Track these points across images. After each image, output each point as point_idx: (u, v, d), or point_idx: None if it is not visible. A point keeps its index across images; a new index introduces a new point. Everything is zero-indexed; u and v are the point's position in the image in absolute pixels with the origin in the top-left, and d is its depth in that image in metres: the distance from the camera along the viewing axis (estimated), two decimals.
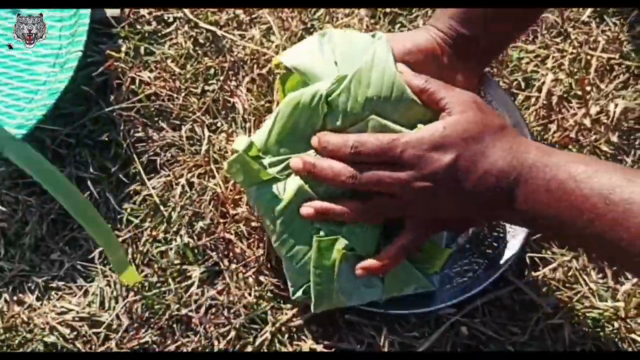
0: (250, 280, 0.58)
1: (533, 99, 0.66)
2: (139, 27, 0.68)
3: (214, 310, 0.58)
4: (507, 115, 0.60)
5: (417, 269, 0.51)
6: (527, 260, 0.58)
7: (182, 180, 0.62)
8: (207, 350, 0.56)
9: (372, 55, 0.48)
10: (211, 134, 0.64)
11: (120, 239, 0.60)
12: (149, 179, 0.62)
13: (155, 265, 0.59)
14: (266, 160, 0.49)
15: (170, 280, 0.58)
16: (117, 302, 0.58)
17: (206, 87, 0.66)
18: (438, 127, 0.44)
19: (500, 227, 0.58)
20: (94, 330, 0.57)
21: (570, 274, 0.58)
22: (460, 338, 0.56)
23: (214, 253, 0.59)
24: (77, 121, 0.64)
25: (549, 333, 0.56)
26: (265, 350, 0.56)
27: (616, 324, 0.56)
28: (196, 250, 0.59)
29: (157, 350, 0.57)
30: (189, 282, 0.58)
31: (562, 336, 0.55)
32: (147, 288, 0.58)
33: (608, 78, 0.67)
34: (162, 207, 0.61)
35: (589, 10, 0.70)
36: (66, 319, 0.58)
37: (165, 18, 0.69)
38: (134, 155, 0.63)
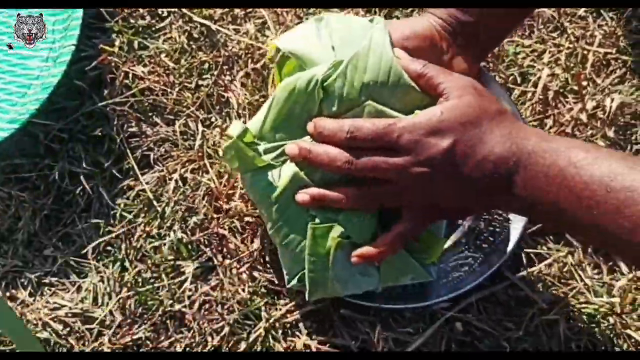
0: (244, 276, 0.58)
1: (529, 94, 0.65)
2: (132, 21, 0.67)
3: (207, 306, 0.57)
4: None
5: (414, 259, 0.51)
6: (523, 256, 0.58)
7: (176, 176, 0.61)
8: (200, 346, 0.56)
9: (369, 40, 0.47)
10: (205, 129, 0.63)
11: (113, 235, 0.60)
12: (142, 174, 0.62)
13: (149, 261, 0.59)
14: (261, 147, 0.49)
15: (163, 275, 0.58)
16: (110, 298, 0.58)
17: (200, 82, 0.65)
18: (435, 112, 0.43)
19: (496, 221, 0.58)
20: (87, 326, 0.57)
21: (565, 269, 0.58)
22: (455, 334, 0.56)
23: (208, 248, 0.59)
24: (71, 116, 0.63)
25: (544, 329, 0.55)
26: (259, 346, 0.56)
27: (611, 320, 0.55)
28: (190, 246, 0.59)
29: (150, 346, 0.56)
30: (183, 277, 0.58)
31: (557, 332, 0.55)
32: (140, 284, 0.58)
33: (604, 73, 0.66)
34: (155, 203, 0.60)
35: None
36: (59, 315, 0.57)
37: (159, 12, 0.68)
38: (128, 150, 0.63)
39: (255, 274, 0.58)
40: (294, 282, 0.51)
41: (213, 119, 0.64)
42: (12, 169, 0.62)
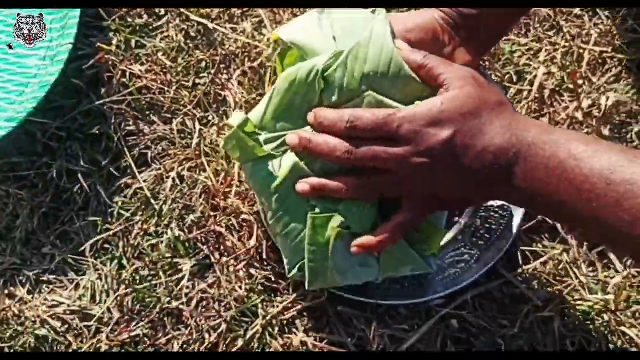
0: (241, 273, 0.58)
1: (525, 93, 0.66)
2: (130, 20, 0.68)
3: (204, 303, 0.58)
4: None
5: (414, 250, 0.50)
6: (518, 254, 0.58)
7: (173, 174, 0.61)
8: (198, 343, 0.56)
9: (370, 31, 0.47)
10: (202, 128, 0.64)
11: (111, 233, 0.60)
12: (140, 173, 0.62)
13: (147, 259, 0.59)
14: (262, 137, 0.49)
15: (161, 273, 0.58)
16: (108, 296, 0.58)
17: (197, 81, 0.66)
18: (436, 103, 0.43)
19: (492, 219, 0.58)
20: (85, 323, 0.57)
21: (560, 267, 0.58)
22: (450, 331, 0.56)
23: (205, 246, 0.59)
24: (68, 114, 0.64)
25: (539, 326, 0.56)
26: (256, 343, 0.56)
27: (606, 317, 0.56)
28: (187, 244, 0.59)
29: (148, 343, 0.57)
30: (180, 275, 0.58)
31: (552, 329, 0.55)
32: (138, 281, 0.58)
33: (600, 71, 0.67)
34: (153, 201, 0.61)
35: None
36: (57, 312, 0.58)
37: (157, 11, 0.68)
38: (125, 149, 0.63)
39: (252, 271, 0.58)
40: (295, 271, 0.51)
41: (210, 118, 0.65)
42: (10, 167, 0.63)
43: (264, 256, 0.58)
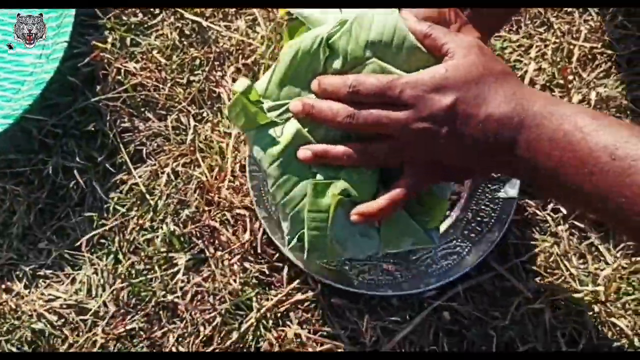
0: (236, 267, 0.59)
1: None
2: (125, 18, 0.68)
3: (199, 297, 0.58)
4: None
5: (416, 222, 0.49)
6: (509, 247, 0.59)
7: (168, 169, 0.62)
8: (193, 336, 0.57)
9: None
10: (197, 124, 0.64)
11: (107, 228, 0.61)
12: (135, 169, 0.63)
13: (142, 253, 0.60)
14: (266, 105, 0.48)
15: (156, 267, 0.59)
16: (104, 290, 0.59)
17: (192, 78, 0.66)
18: (439, 70, 0.43)
19: (484, 212, 0.59)
20: (81, 317, 0.58)
21: (551, 259, 0.59)
22: (442, 322, 0.57)
23: (200, 240, 0.60)
24: (64, 112, 0.64)
25: (529, 317, 0.56)
26: (251, 336, 0.57)
27: (596, 308, 0.56)
28: (182, 238, 0.60)
29: (143, 336, 0.57)
30: (175, 269, 0.59)
31: (542, 321, 0.56)
32: (133, 275, 0.59)
33: (590, 67, 0.67)
34: (148, 196, 0.61)
35: None
36: (54, 306, 0.58)
37: (151, 9, 0.69)
38: (121, 145, 0.64)
39: (247, 264, 0.59)
40: (294, 242, 0.50)
41: (205, 114, 0.65)
42: (7, 164, 0.63)
43: (258, 250, 0.59)
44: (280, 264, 0.59)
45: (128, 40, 0.67)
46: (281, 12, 0.52)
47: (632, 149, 0.37)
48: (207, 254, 0.59)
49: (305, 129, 0.47)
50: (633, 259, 0.58)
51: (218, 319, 0.57)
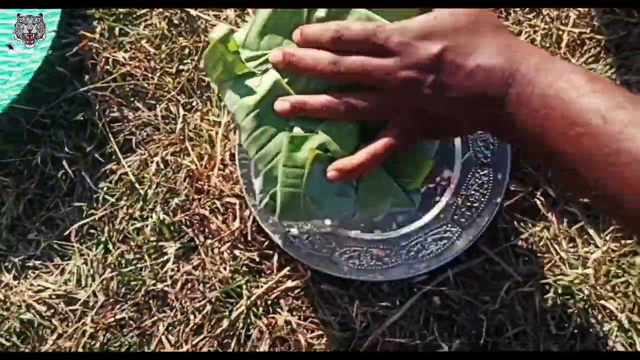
0: (225, 255, 0.59)
1: None
2: (113, 8, 0.68)
3: (189, 285, 0.58)
4: None
5: (396, 183, 0.46)
6: (500, 231, 0.59)
7: (157, 158, 0.62)
8: (183, 325, 0.57)
9: None
10: (186, 113, 0.64)
11: (96, 217, 0.61)
12: (124, 158, 0.63)
13: (132, 243, 0.60)
14: (244, 54, 0.45)
15: (146, 256, 0.59)
16: (93, 280, 0.59)
17: (181, 67, 0.66)
18: (428, 17, 0.41)
19: (473, 197, 0.59)
20: (71, 307, 0.58)
21: (541, 243, 0.59)
22: (432, 307, 0.57)
23: (190, 229, 0.60)
24: (53, 102, 0.64)
25: (519, 301, 0.56)
26: (241, 324, 0.56)
27: (586, 291, 0.56)
28: (172, 227, 0.60)
29: (133, 325, 0.57)
30: (165, 258, 0.59)
31: (532, 304, 0.56)
32: (123, 265, 0.59)
33: (579, 52, 0.67)
34: (137, 185, 0.61)
35: None
36: (43, 297, 0.58)
37: None
38: (110, 135, 0.63)
39: (237, 252, 0.59)
40: (266, 200, 0.46)
41: (194, 103, 0.65)
42: None
43: (249, 237, 0.59)
44: (271, 252, 0.59)
45: (117, 30, 0.67)
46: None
47: (625, 114, 0.35)
48: (197, 242, 0.59)
49: (285, 80, 0.44)
50: (622, 241, 0.58)
51: (208, 307, 0.57)
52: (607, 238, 0.58)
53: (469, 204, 0.59)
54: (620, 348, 0.55)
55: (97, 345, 0.57)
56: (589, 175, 0.36)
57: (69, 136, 0.63)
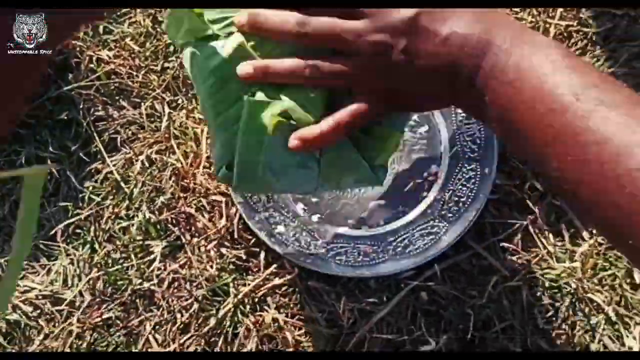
0: (212, 253, 0.58)
1: None
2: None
3: (176, 284, 0.58)
4: None
5: (362, 156, 0.44)
6: (486, 226, 0.59)
7: (143, 157, 0.62)
8: (170, 324, 0.56)
9: None
10: (171, 111, 0.64)
11: (82, 217, 0.60)
12: (109, 157, 0.62)
13: (118, 242, 0.59)
14: (208, 16, 0.42)
15: (132, 256, 0.59)
16: (80, 280, 0.58)
17: (166, 64, 0.66)
18: None
19: (460, 192, 0.59)
20: (57, 307, 0.58)
21: (528, 237, 0.58)
22: (420, 303, 0.56)
23: (176, 227, 0.60)
24: (37, 101, 0.64)
25: (506, 295, 0.56)
26: (228, 322, 0.56)
27: (573, 284, 0.56)
28: (158, 226, 0.60)
29: (120, 325, 0.57)
30: (151, 257, 0.59)
31: (519, 298, 0.56)
32: (110, 264, 0.59)
33: (566, 45, 0.67)
34: (123, 184, 0.61)
35: None
36: (29, 297, 0.58)
37: None
38: (95, 134, 0.63)
39: (223, 250, 0.58)
40: (223, 170, 0.43)
41: (179, 101, 0.65)
42: None
43: (235, 235, 0.59)
44: (257, 249, 0.58)
45: (101, 28, 0.67)
46: None
47: (598, 92, 0.34)
48: (183, 240, 0.59)
49: (250, 43, 0.41)
50: None
51: (195, 306, 0.57)
52: (594, 231, 0.58)
53: (456, 199, 0.59)
54: (607, 341, 0.55)
55: (84, 345, 0.57)
56: (553, 152, 0.35)
57: (53, 135, 0.63)
